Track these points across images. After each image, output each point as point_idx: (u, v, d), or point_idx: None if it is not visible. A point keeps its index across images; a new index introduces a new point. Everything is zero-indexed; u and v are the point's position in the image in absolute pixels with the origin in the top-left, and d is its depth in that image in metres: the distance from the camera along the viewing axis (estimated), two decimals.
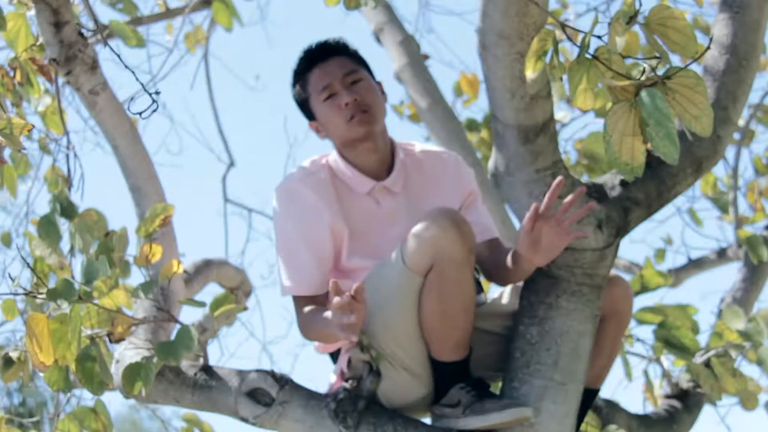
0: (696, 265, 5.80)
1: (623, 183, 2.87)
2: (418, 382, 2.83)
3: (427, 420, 2.90)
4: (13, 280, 2.72)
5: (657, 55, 2.29)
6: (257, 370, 2.84)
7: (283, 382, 2.82)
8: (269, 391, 2.81)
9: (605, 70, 2.25)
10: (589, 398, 3.00)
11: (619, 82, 2.22)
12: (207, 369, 2.88)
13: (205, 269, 3.90)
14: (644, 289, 4.03)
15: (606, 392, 4.46)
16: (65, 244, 3.41)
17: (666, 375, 4.03)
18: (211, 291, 4.39)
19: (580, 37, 2.28)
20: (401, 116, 5.86)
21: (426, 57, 5.63)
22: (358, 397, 2.79)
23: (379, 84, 3.03)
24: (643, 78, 2.22)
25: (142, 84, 2.82)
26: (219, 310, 2.85)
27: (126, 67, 2.87)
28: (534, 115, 2.66)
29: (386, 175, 2.98)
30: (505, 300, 3.02)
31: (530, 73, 2.37)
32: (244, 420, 2.83)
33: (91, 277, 2.68)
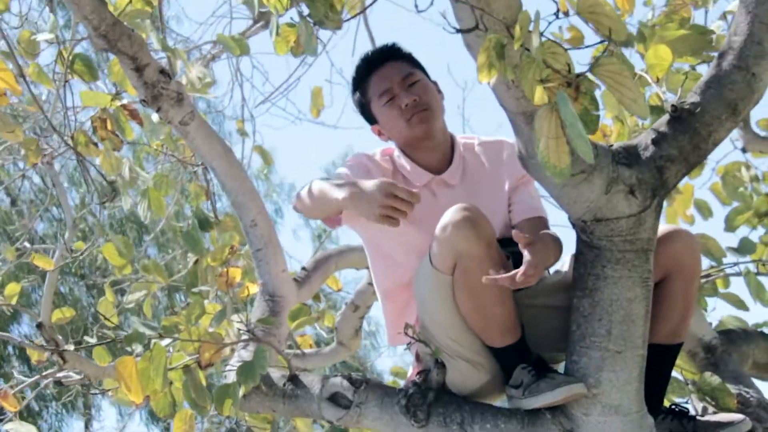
0: None
1: (655, 142, 2.80)
2: (479, 369, 2.92)
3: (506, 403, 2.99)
4: (89, 334, 3.03)
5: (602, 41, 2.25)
6: (335, 375, 3.03)
7: (358, 384, 2.99)
8: (346, 395, 2.99)
9: (544, 68, 2.24)
10: (670, 355, 2.98)
11: (552, 83, 2.20)
12: (293, 378, 3.09)
13: (324, 263, 4.07)
14: None
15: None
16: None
17: None
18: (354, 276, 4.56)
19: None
20: None
21: None
22: (427, 389, 2.92)
23: (435, 83, 3.13)
24: (572, 73, 2.19)
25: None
26: (295, 323, 3.05)
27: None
28: None
29: (445, 170, 3.08)
30: (566, 268, 3.04)
31: (486, 81, 2.38)
32: (330, 423, 3.03)
33: (160, 319, 2.96)
